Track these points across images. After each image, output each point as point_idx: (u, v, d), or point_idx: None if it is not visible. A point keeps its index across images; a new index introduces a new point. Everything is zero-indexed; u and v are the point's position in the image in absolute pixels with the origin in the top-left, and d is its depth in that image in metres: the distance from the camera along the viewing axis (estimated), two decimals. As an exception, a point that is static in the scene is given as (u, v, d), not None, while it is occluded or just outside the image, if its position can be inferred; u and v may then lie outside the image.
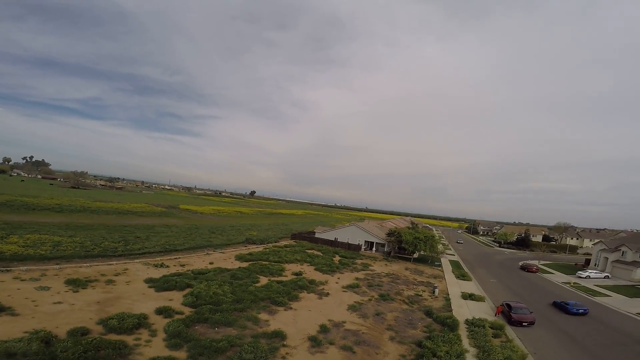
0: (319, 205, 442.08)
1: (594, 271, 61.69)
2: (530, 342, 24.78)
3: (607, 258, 65.99)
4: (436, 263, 61.14)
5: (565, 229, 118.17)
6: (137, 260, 36.23)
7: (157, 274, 31.31)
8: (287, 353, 18.45)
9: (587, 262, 73.97)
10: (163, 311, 21.82)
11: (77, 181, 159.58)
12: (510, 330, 27.28)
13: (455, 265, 62.69)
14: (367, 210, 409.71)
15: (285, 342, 19.67)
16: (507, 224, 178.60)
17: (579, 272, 61.40)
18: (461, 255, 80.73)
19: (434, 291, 38.85)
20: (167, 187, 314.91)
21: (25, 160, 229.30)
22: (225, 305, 23.93)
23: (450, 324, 26.47)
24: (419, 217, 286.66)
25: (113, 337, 17.20)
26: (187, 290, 26.73)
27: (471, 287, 44.69)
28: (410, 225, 75.14)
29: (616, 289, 49.48)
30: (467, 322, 27.80)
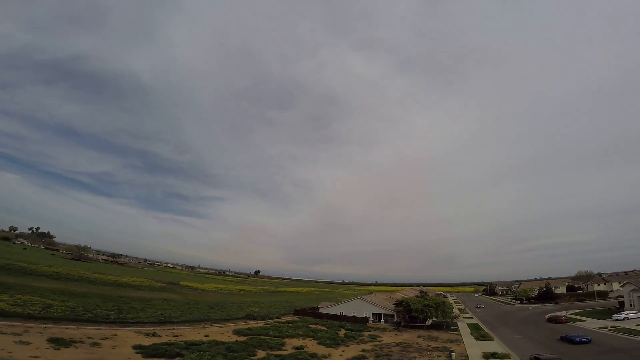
0: (325, 282, 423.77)
1: (632, 312, 57.49)
2: None
3: (635, 294, 63.38)
4: (452, 327, 57.44)
5: (588, 277, 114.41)
6: (128, 328, 34.67)
7: (147, 341, 29.60)
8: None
9: (622, 304, 70.20)
10: None
11: (79, 254, 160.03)
12: None
13: (473, 327, 58.66)
14: (376, 284, 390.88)
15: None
16: (525, 280, 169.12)
17: (615, 315, 57.26)
18: (480, 317, 75.45)
19: (450, 355, 35.22)
20: (169, 265, 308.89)
21: (31, 231, 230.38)
22: None
23: None
24: (431, 286, 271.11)
25: None
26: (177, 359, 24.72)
27: (493, 346, 40.99)
28: (419, 294, 72.12)
29: None
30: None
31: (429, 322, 58.65)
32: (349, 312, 64.60)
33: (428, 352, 37.56)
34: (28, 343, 22.73)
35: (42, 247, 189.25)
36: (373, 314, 64.83)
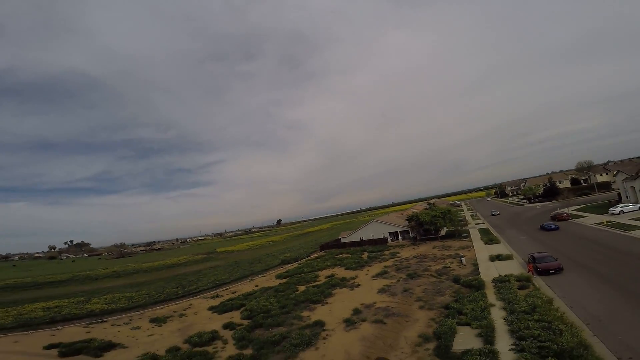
0: (344, 214, 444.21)
1: (627, 205, 57.16)
2: (559, 287, 25.29)
3: (634, 187, 61.72)
4: (463, 235, 62.69)
5: (589, 168, 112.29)
6: (196, 297, 42.76)
7: (215, 302, 37.16)
8: (327, 335, 22.80)
9: (620, 196, 69.18)
10: (228, 326, 27.44)
11: (120, 252, 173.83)
12: (539, 280, 27.86)
13: (483, 232, 62.80)
14: (392, 204, 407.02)
15: (324, 328, 24.01)
16: (530, 178, 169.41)
17: (611, 209, 57.81)
18: (490, 222, 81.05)
19: (461, 261, 40.78)
20: (200, 237, 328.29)
21: (67, 245, 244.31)
22: (273, 312, 29.03)
23: (476, 285, 28.55)
24: (444, 197, 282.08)
25: (197, 349, 22.42)
26: (242, 309, 32.04)
27: (500, 249, 45.03)
28: (427, 207, 77.72)
29: None
30: (494, 280, 29.34)
31: (442, 232, 64.22)
32: (368, 236, 71.19)
33: (442, 260, 43.71)
34: (139, 327, 29.99)
35: (86, 255, 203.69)
36: (390, 233, 71.09)
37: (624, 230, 41.92)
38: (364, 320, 24.47)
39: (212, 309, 34.45)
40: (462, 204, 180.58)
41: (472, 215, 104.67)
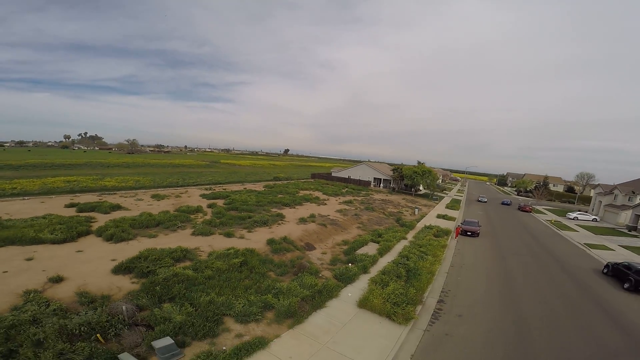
0: (351, 160, 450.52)
1: (583, 213, 63.06)
2: (464, 242, 32.38)
3: (601, 202, 66.62)
4: (434, 197, 69.54)
5: (587, 181, 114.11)
6: (193, 187, 51.51)
7: (207, 192, 45.81)
8: (282, 223, 31.30)
9: (593, 208, 72.56)
10: (211, 206, 35.95)
11: (131, 148, 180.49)
12: (459, 238, 34.17)
13: (454, 201, 68.72)
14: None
15: (283, 220, 32.51)
16: (531, 174, 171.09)
17: (569, 214, 63.38)
18: (467, 196, 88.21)
19: (415, 211, 48.48)
20: (207, 149, 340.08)
21: (81, 136, 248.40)
22: (250, 203, 37.73)
23: (407, 225, 37.13)
24: (458, 173, 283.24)
25: (183, 214, 30.88)
26: (227, 199, 40.53)
27: (453, 213, 51.57)
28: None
29: (590, 228, 51.12)
30: (424, 227, 36.87)
31: (421, 191, 70.86)
32: (355, 176, 78.27)
33: (401, 207, 51.84)
34: (142, 199, 38.34)
35: (97, 148, 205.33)
36: (375, 178, 77.66)
37: (558, 229, 48.01)
38: (313, 222, 32.86)
39: (203, 196, 42.98)
40: (463, 180, 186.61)
41: (459, 189, 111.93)
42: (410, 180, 68.52)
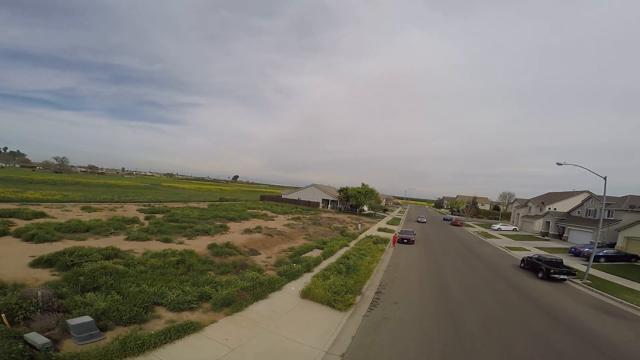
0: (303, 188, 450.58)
1: (505, 224, 72.05)
2: (398, 249, 34.51)
3: (519, 214, 77.38)
4: (377, 216, 73.98)
5: (509, 199, 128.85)
6: (130, 204, 47.34)
7: (145, 208, 42.57)
8: (225, 232, 30.44)
9: (513, 220, 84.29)
10: (149, 218, 33.49)
11: (59, 167, 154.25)
12: (397, 245, 36.42)
13: (395, 219, 73.61)
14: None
15: (227, 231, 31.63)
16: (463, 196, 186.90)
17: (493, 225, 72.33)
18: (407, 216, 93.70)
19: (358, 226, 51.30)
20: (148, 173, 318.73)
21: None
22: (192, 217, 36.01)
23: (350, 236, 38.60)
24: (400, 199, 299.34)
25: (116, 223, 28.18)
26: (167, 213, 38.25)
27: (393, 227, 54.92)
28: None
29: (511, 235, 58.11)
30: (365, 237, 38.78)
31: (365, 211, 74.47)
32: (305, 198, 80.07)
33: (346, 223, 53.84)
34: (70, 210, 34.31)
35: (18, 165, 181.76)
36: (323, 199, 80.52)
37: (484, 237, 53.92)
38: (259, 232, 32.41)
39: (141, 210, 39.84)
40: (406, 204, 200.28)
41: (400, 211, 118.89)
42: (355, 200, 71.98)
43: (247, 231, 32.08)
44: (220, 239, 26.55)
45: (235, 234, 30.50)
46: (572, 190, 67.07)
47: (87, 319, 9.48)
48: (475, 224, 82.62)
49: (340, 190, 78.15)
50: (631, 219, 41.17)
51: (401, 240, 38.86)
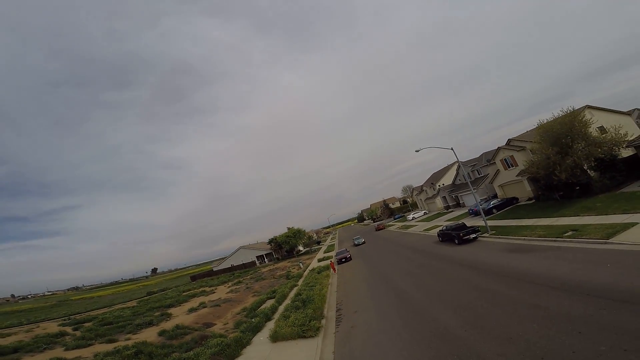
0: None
1: (416, 212, 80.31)
2: (341, 269, 36.83)
3: (421, 199, 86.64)
4: (313, 250, 76.43)
5: (410, 191, 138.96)
6: (46, 322, 39.82)
7: (67, 321, 36.52)
8: (169, 319, 28.83)
9: (425, 212, 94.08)
10: (78, 328, 29.60)
11: None
12: (337, 267, 39.48)
13: (330, 247, 75.08)
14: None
15: (170, 316, 29.91)
16: (374, 203, 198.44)
17: (408, 216, 79.68)
18: (338, 237, 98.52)
19: (299, 265, 52.51)
20: (47, 293, 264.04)
21: None
22: (126, 317, 32.74)
23: (296, 276, 39.70)
24: (328, 228, 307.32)
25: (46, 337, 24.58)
26: (95, 320, 33.51)
27: (331, 254, 56.49)
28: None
29: (424, 219, 65.52)
30: (309, 271, 40.56)
31: (302, 251, 75.64)
32: (238, 262, 78.05)
33: (288, 268, 54.55)
34: None
35: None
36: (257, 256, 79.34)
37: (404, 229, 60.36)
38: (204, 307, 31.35)
39: (63, 324, 34.11)
40: (335, 231, 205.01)
41: (332, 237, 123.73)
42: (287, 245, 73.23)
43: (192, 310, 30.89)
44: (167, 325, 25.37)
45: (181, 316, 29.16)
46: (447, 165, 79.35)
47: None
48: (395, 222, 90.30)
49: (270, 241, 78.49)
50: (493, 170, 48.39)
51: (339, 261, 41.88)
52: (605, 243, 17.08)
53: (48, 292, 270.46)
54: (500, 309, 12.79)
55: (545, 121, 31.53)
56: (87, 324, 31.94)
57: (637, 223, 18.12)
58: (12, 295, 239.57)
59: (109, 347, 20.07)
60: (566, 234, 20.57)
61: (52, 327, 33.67)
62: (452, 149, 31.95)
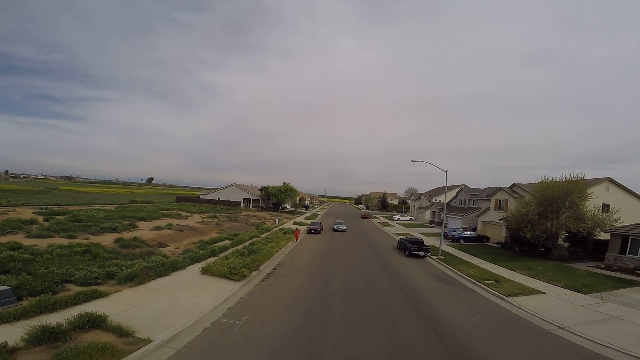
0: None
1: (403, 215, 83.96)
2: (307, 238, 39.30)
3: (415, 206, 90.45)
4: (297, 212, 78.32)
5: (412, 193, 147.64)
6: (24, 207, 43.30)
7: (43, 211, 38.99)
8: (133, 230, 31.25)
9: (411, 211, 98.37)
10: (49, 219, 32.39)
11: None
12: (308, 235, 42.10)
13: (314, 215, 78.34)
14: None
15: (136, 228, 32.39)
16: (375, 192, 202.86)
17: (393, 216, 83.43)
18: (326, 211, 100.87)
19: (275, 221, 54.54)
20: (40, 176, 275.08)
21: None
22: (97, 218, 35.53)
23: (265, 229, 42.09)
24: (328, 198, 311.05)
25: (15, 222, 27.59)
26: (69, 214, 36.62)
27: (309, 222, 58.29)
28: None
29: (406, 224, 67.16)
30: (278, 229, 42.63)
31: (288, 209, 77.58)
32: (225, 197, 79.89)
33: (264, 219, 56.87)
34: None
35: None
36: (244, 199, 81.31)
37: (382, 226, 62.44)
38: (169, 229, 33.81)
39: (37, 213, 36.47)
40: (329, 202, 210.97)
41: (322, 208, 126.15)
42: (275, 198, 74.96)
43: (157, 228, 33.28)
44: (127, 235, 27.68)
45: (145, 231, 31.57)
46: (453, 185, 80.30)
47: (4, 287, 11.42)
48: (382, 216, 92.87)
49: (262, 189, 79.89)
50: (486, 206, 51.50)
51: (309, 231, 44.02)
52: (502, 299, 18.87)
53: (42, 175, 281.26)
54: (366, 301, 17.00)
55: (550, 179, 32.36)
56: (59, 217, 34.58)
57: (545, 293, 19.75)
58: (6, 172, 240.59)
59: (66, 242, 22.32)
60: (487, 281, 22.23)
61: (27, 213, 36.36)
62: (446, 172, 32.35)
